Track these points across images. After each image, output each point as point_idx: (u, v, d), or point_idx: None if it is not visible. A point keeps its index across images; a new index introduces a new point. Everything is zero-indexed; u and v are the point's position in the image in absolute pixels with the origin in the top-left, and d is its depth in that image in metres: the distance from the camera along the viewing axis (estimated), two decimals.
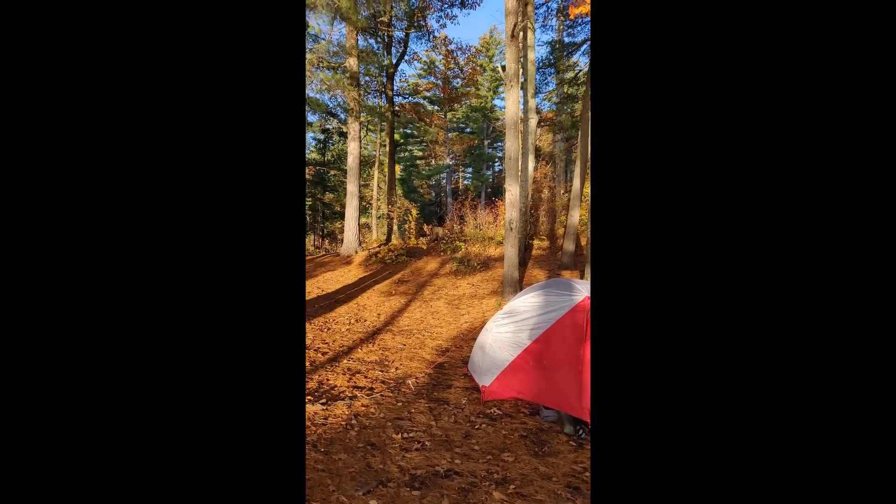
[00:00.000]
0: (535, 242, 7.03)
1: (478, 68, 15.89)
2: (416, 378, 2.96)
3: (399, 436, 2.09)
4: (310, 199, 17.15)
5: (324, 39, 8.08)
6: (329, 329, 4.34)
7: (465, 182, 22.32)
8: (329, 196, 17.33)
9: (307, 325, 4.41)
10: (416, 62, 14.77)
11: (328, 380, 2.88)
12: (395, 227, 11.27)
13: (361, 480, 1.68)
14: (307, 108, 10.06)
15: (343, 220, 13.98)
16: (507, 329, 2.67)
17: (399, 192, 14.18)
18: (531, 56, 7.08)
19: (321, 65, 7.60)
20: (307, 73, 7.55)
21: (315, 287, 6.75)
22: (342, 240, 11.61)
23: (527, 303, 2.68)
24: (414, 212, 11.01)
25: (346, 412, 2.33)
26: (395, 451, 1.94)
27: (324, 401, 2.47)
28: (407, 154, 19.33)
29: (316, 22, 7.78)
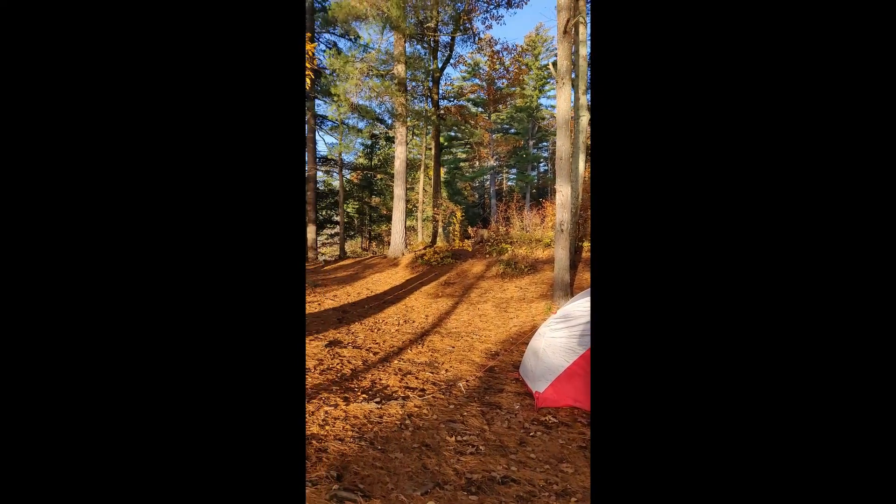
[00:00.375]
0: (586, 245, 6.78)
1: (523, 67, 15.66)
2: (467, 381, 2.95)
3: (453, 438, 2.08)
4: (357, 202, 17.78)
5: (373, 49, 8.36)
6: (379, 329, 4.46)
7: (509, 183, 22.05)
8: (376, 199, 17.87)
9: (358, 325, 4.56)
10: (460, 65, 14.86)
11: (381, 379, 2.94)
12: (439, 230, 11.37)
13: (418, 481, 1.69)
14: (357, 114, 10.45)
15: (389, 222, 14.35)
16: (561, 334, 2.58)
17: (444, 194, 14.31)
18: (583, 52, 6.85)
19: (371, 73, 7.87)
20: (357, 83, 7.85)
21: (365, 288, 6.97)
22: (388, 242, 11.91)
23: (582, 307, 2.57)
24: (458, 214, 11.04)
25: (400, 412, 2.37)
26: (450, 453, 1.94)
27: (378, 399, 2.53)
28: (451, 157, 19.46)
29: (367, 32, 8.08)
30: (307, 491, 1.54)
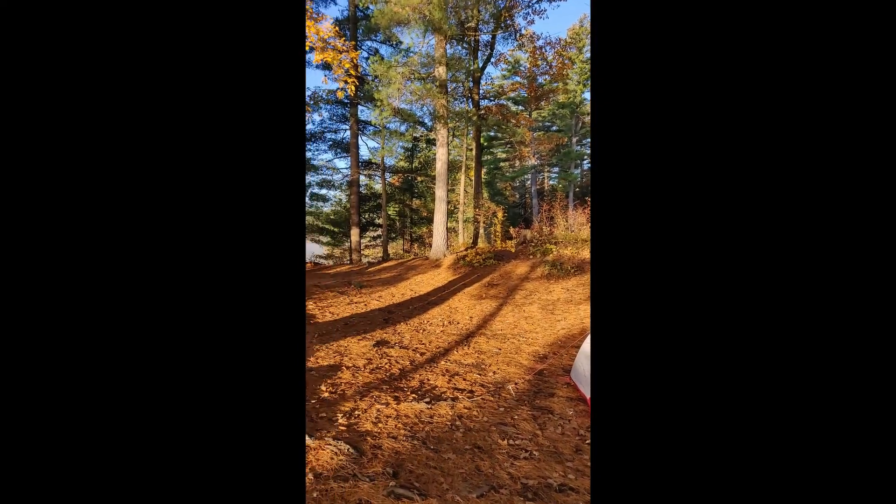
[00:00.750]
0: None
1: (566, 62, 15.22)
2: (516, 384, 2.90)
3: (505, 442, 2.05)
4: (399, 205, 18.15)
5: (414, 53, 8.48)
6: (424, 330, 4.50)
7: (551, 182, 21.50)
8: (416, 202, 18.14)
9: (404, 326, 4.63)
10: (501, 64, 14.73)
11: (429, 380, 2.96)
12: (481, 231, 11.32)
13: (473, 483, 1.68)
14: (398, 118, 10.66)
15: (429, 224, 14.49)
16: None
17: (484, 195, 14.24)
18: None
19: (412, 77, 7.99)
20: (399, 87, 8.01)
21: (408, 289, 7.08)
22: (430, 244, 12.02)
23: None
24: (500, 214, 10.93)
25: (450, 413, 2.37)
26: (503, 457, 1.91)
27: (427, 399, 2.55)
28: (491, 157, 19.33)
29: (409, 37, 8.22)
30: (366, 485, 1.58)
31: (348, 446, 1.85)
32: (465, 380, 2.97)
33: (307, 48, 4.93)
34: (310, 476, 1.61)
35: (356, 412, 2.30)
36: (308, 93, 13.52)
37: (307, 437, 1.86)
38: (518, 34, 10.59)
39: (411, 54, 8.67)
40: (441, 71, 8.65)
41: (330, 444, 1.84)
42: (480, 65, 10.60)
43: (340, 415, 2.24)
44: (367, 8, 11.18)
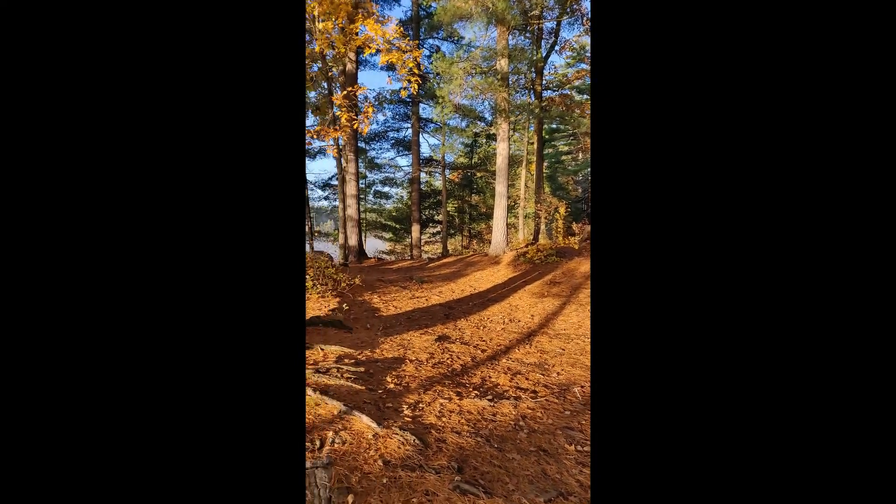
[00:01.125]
0: None
1: None
2: (582, 387, 2.77)
3: (572, 447, 1.97)
4: (458, 201, 18.25)
5: (476, 47, 8.42)
6: (485, 327, 4.48)
7: None
8: (475, 198, 18.11)
9: (464, 322, 4.66)
10: (565, 51, 14.09)
11: (490, 377, 2.95)
12: (542, 227, 10.98)
13: (540, 486, 1.64)
14: (459, 114, 10.68)
15: (488, 220, 14.39)
16: None
17: (546, 189, 13.79)
18: None
19: (473, 71, 7.95)
20: (460, 83, 8.00)
21: (468, 286, 7.11)
22: (489, 240, 11.94)
23: None
24: (562, 210, 10.50)
25: (513, 412, 2.33)
26: (571, 462, 1.83)
27: (490, 397, 2.53)
28: (552, 150, 18.64)
29: (471, 31, 8.18)
30: (432, 477, 1.61)
31: (414, 437, 1.90)
32: (527, 379, 2.91)
33: (373, 51, 5.10)
34: (379, 463, 1.68)
35: (420, 405, 2.35)
36: (373, 94, 14.08)
37: (376, 425, 1.95)
38: (585, 18, 10.05)
39: (472, 49, 8.61)
40: (503, 63, 8.49)
41: (397, 434, 1.90)
42: (543, 54, 10.24)
43: (406, 406, 2.31)
44: (430, 6, 11.31)
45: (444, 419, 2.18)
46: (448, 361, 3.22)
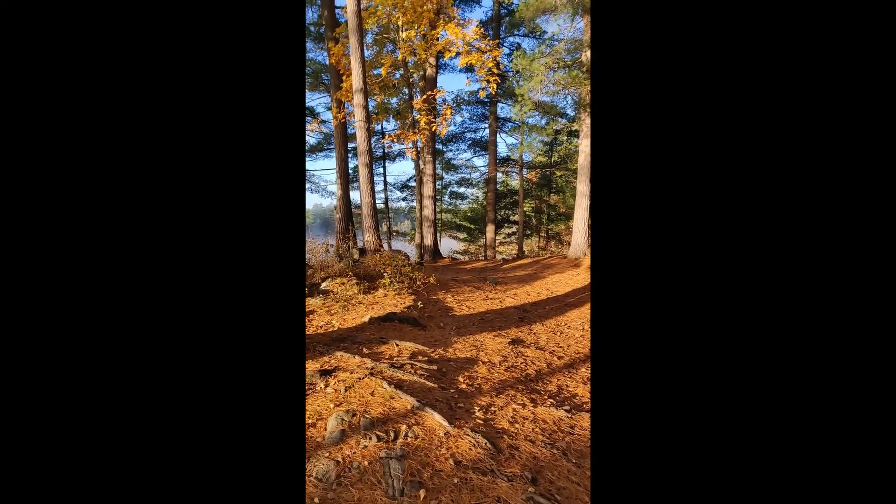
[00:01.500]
0: None
1: None
2: None
3: None
4: (535, 201, 17.73)
5: (559, 41, 8.09)
6: (562, 333, 4.27)
7: None
8: (554, 198, 17.41)
9: (540, 326, 4.49)
10: None
11: (567, 386, 2.78)
12: None
13: None
14: (539, 112, 10.36)
15: (567, 221, 13.72)
16: None
17: None
18: None
19: (556, 66, 7.64)
20: (542, 79, 7.75)
21: (544, 288, 6.85)
22: (568, 241, 11.38)
23: None
24: None
25: None
26: None
27: (567, 408, 2.39)
28: None
29: (555, 24, 7.88)
30: (504, 484, 1.56)
31: (485, 440, 1.86)
32: None
33: (453, 54, 5.17)
34: (450, 462, 1.68)
35: (492, 408, 2.31)
36: (451, 97, 14.34)
37: (447, 424, 1.95)
38: None
39: (555, 42, 8.28)
40: (588, 55, 8.02)
41: (468, 435, 1.89)
42: None
43: (477, 408, 2.29)
44: (511, 3, 11.15)
45: (516, 425, 2.11)
46: (522, 366, 3.12)
